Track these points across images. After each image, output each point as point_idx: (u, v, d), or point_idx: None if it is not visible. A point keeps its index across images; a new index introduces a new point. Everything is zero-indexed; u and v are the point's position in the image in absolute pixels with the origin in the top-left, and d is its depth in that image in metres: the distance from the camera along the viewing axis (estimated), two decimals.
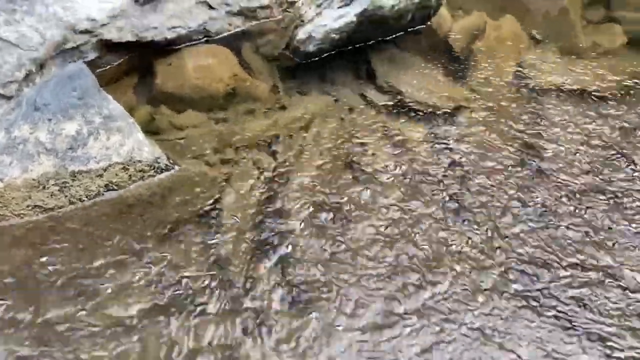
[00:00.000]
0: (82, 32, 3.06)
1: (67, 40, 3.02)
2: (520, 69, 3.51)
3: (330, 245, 2.54)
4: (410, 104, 3.23)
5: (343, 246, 2.55)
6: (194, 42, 3.44)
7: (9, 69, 2.78)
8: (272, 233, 2.58)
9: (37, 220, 2.55)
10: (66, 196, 2.57)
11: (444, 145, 3.00)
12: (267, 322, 2.29)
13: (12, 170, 2.50)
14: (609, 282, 2.43)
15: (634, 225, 2.65)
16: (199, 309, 2.33)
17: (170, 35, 3.33)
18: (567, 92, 3.36)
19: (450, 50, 3.63)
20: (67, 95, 2.58)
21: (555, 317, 2.32)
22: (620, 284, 2.42)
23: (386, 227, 2.62)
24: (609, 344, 2.24)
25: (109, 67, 3.27)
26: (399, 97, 3.27)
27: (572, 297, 2.38)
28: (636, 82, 3.45)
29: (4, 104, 2.72)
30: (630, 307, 2.34)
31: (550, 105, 3.26)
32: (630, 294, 2.39)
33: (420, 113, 3.19)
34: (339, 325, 2.29)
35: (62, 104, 2.56)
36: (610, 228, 2.63)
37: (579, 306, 2.35)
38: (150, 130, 2.95)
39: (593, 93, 3.36)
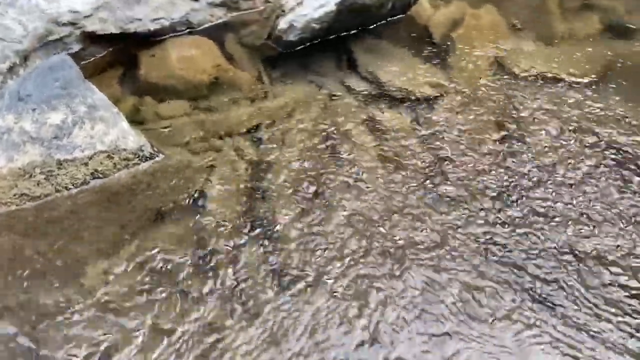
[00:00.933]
0: (65, 24, 3.10)
1: (51, 32, 3.06)
2: (498, 56, 3.58)
3: (313, 226, 2.61)
4: (391, 91, 3.29)
5: (325, 227, 2.61)
6: (177, 34, 3.49)
7: None
8: (257, 216, 2.64)
9: (24, 208, 2.59)
10: (52, 184, 2.61)
11: (423, 130, 3.06)
12: (252, 302, 2.35)
13: None
14: (583, 265, 2.51)
15: (601, 204, 2.73)
16: (185, 291, 2.38)
17: (153, 26, 3.37)
18: (544, 78, 3.43)
19: (430, 39, 3.69)
20: (50, 86, 2.62)
21: (531, 289, 2.40)
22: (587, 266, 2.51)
23: (367, 209, 2.68)
24: None
25: (93, 59, 3.32)
26: (379, 84, 3.33)
27: (552, 280, 2.46)
28: (611, 68, 3.52)
29: None
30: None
31: (527, 91, 3.33)
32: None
33: (400, 100, 3.25)
34: (321, 302, 2.35)
35: (46, 95, 2.60)
36: (585, 211, 2.71)
37: (554, 286, 2.44)
38: (136, 120, 3.00)
39: (569, 79, 3.43)
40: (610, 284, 2.42)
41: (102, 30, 3.23)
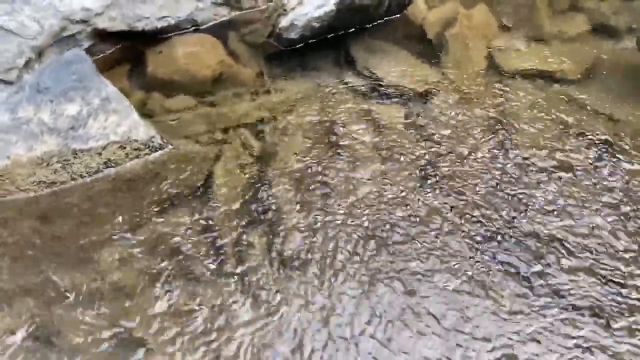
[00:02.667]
0: (77, 21, 3.24)
1: (64, 29, 3.20)
2: (490, 54, 3.73)
3: (314, 215, 2.74)
4: (388, 87, 3.44)
5: (326, 216, 2.74)
6: (182, 31, 3.63)
7: (10, 56, 2.95)
8: (260, 205, 2.78)
9: (42, 195, 2.73)
10: (68, 172, 2.75)
11: (418, 125, 3.21)
12: (256, 285, 2.48)
13: (17, 148, 2.68)
14: (564, 250, 2.66)
15: (586, 195, 2.89)
16: (193, 274, 2.51)
17: (160, 24, 3.51)
18: (533, 75, 3.57)
19: (424, 37, 3.83)
20: (67, 79, 2.76)
21: (510, 266, 2.56)
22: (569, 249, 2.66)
23: (365, 199, 2.82)
24: None
25: (102, 55, 3.45)
26: (376, 81, 3.47)
27: (530, 260, 2.61)
28: (597, 66, 3.67)
29: (6, 89, 2.89)
30: None
31: (517, 88, 3.46)
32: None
33: (397, 96, 3.38)
34: (325, 285, 2.49)
35: (63, 87, 2.74)
36: (570, 202, 2.87)
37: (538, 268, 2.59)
38: (144, 113, 3.13)
39: (557, 76, 3.58)
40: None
41: (112, 28, 3.37)
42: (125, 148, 2.84)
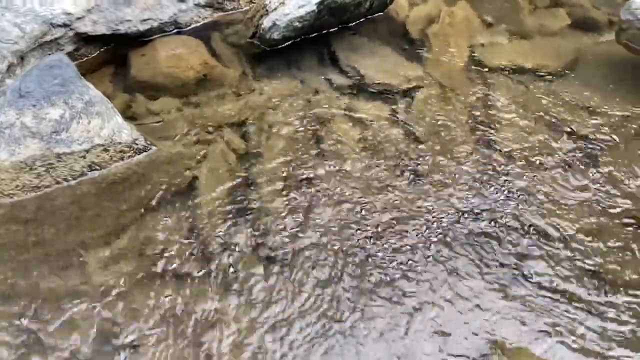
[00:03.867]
0: (59, 25, 3.25)
1: (45, 33, 3.20)
2: (472, 50, 3.76)
3: (298, 212, 2.76)
4: (371, 84, 3.46)
5: (311, 214, 2.76)
6: (166, 34, 3.64)
7: None
8: (246, 205, 2.79)
9: (26, 199, 2.73)
10: (52, 176, 2.75)
11: (402, 121, 3.23)
12: (242, 284, 2.49)
13: (0, 153, 2.68)
14: (549, 241, 2.70)
15: (566, 185, 2.92)
16: (180, 273, 2.52)
17: (142, 27, 3.52)
18: (515, 70, 3.61)
19: (407, 35, 3.87)
20: (49, 83, 2.76)
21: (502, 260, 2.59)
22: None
23: (349, 195, 2.84)
24: None
25: (86, 58, 3.46)
26: (360, 79, 3.50)
27: (522, 253, 2.65)
28: (578, 60, 3.71)
29: None
30: None
31: (499, 83, 3.50)
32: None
33: (379, 92, 3.41)
34: (305, 282, 2.51)
35: (45, 91, 2.73)
36: (550, 192, 2.90)
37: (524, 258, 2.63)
38: (128, 116, 3.14)
39: (539, 70, 3.62)
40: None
41: (94, 32, 3.38)
42: (109, 151, 2.84)
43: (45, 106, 2.73)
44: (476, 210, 2.78)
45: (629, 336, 2.35)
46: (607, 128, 3.20)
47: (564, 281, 2.52)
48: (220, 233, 2.67)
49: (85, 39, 3.38)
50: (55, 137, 2.73)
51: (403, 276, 2.53)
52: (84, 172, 2.81)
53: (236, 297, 2.45)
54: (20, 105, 2.71)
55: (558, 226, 2.73)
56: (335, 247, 2.63)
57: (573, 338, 2.34)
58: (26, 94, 2.71)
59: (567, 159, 3.05)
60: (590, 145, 3.11)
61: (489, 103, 3.37)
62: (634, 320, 2.39)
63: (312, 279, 2.52)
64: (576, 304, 2.44)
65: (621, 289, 2.49)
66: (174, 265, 2.55)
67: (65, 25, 3.26)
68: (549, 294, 2.48)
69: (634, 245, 2.64)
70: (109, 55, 3.52)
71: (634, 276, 2.53)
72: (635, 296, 2.47)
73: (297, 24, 3.57)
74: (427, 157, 3.03)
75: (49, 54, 3.16)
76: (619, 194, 2.86)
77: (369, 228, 2.71)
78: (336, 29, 3.82)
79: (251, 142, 3.09)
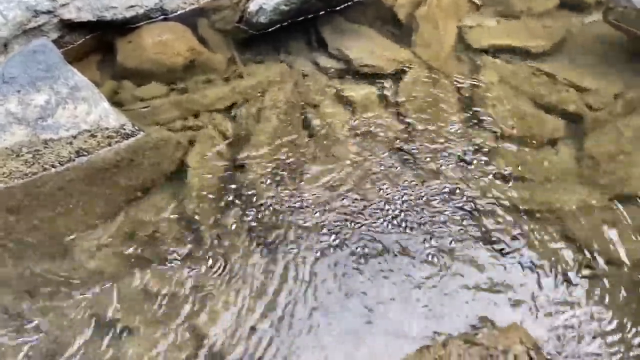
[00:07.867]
0: (42, 12, 3.21)
1: (29, 20, 3.17)
2: (460, 32, 3.75)
3: (289, 196, 2.75)
4: (359, 67, 3.44)
5: (302, 197, 2.75)
6: (152, 20, 3.61)
7: None
8: (236, 188, 2.78)
9: (14, 186, 2.71)
10: (39, 163, 2.73)
11: (391, 102, 3.22)
12: (233, 268, 2.49)
13: None
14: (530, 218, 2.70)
15: (552, 160, 2.92)
16: (170, 258, 2.52)
17: (128, 14, 3.50)
18: (503, 51, 3.60)
19: (395, 18, 3.85)
20: (33, 68, 2.73)
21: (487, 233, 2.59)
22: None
23: (339, 179, 2.83)
24: None
25: (71, 46, 3.43)
26: (347, 62, 3.47)
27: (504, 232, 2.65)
28: (567, 40, 3.71)
29: None
30: None
31: (488, 63, 3.49)
32: None
33: (369, 76, 3.39)
34: (296, 264, 2.51)
35: (30, 77, 2.71)
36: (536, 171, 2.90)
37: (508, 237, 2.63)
38: (115, 102, 3.12)
39: (527, 51, 3.61)
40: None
41: (79, 18, 3.35)
42: (96, 136, 2.82)
43: (30, 92, 2.71)
44: (465, 189, 2.78)
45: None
46: (596, 105, 3.20)
47: (547, 258, 2.53)
48: (211, 217, 2.67)
49: (70, 26, 3.35)
50: (42, 123, 2.71)
51: (396, 257, 2.52)
52: (71, 158, 2.79)
53: (228, 280, 2.45)
54: (4, 92, 2.68)
55: (547, 203, 2.73)
56: (327, 229, 2.62)
57: None
58: (10, 79, 2.68)
59: (556, 136, 3.04)
60: (579, 123, 3.11)
61: (476, 82, 3.36)
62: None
63: (303, 260, 2.51)
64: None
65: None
66: (165, 249, 2.55)
67: (49, 12, 3.22)
68: (535, 269, 2.49)
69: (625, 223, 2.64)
70: (95, 43, 3.49)
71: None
72: None
73: (283, 7, 3.55)
74: (416, 137, 3.03)
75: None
76: (606, 170, 2.86)
77: (360, 209, 2.70)
78: (324, 12, 3.80)
79: (240, 126, 3.08)
